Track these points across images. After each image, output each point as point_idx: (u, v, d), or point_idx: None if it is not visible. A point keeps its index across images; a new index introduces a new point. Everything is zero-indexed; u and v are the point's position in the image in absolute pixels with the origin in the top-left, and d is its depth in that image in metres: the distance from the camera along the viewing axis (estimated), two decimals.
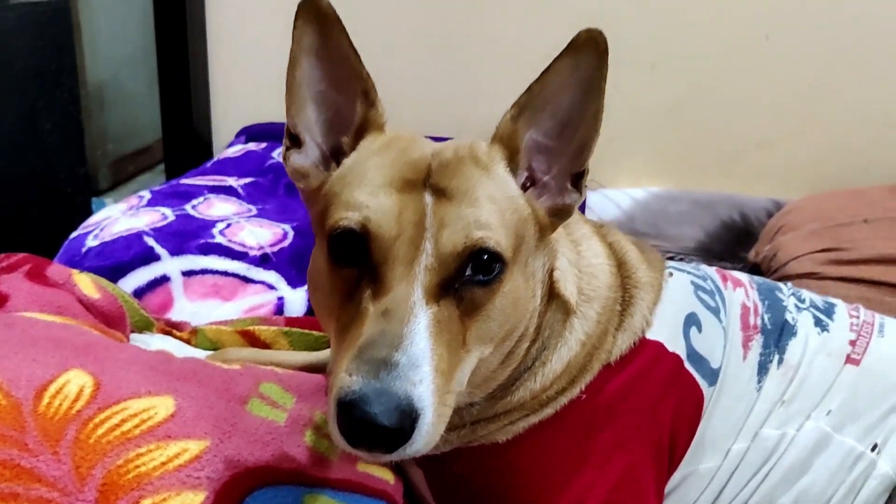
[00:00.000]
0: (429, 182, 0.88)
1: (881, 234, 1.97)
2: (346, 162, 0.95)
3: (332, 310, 0.89)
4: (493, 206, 0.89)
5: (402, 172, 0.89)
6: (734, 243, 2.30)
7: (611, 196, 2.42)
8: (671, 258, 2.24)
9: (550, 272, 1.02)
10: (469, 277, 0.86)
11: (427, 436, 0.79)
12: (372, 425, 0.75)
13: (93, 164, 3.33)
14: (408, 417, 0.76)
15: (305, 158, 0.98)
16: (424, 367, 0.79)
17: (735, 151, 2.51)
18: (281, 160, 1.01)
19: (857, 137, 2.41)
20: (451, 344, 0.84)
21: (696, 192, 2.45)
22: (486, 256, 0.86)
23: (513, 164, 0.95)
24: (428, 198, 0.87)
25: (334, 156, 0.98)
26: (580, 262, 1.07)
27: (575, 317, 1.04)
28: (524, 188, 0.97)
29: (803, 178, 2.43)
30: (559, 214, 0.98)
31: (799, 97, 2.41)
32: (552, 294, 1.02)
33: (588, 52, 0.88)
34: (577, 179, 0.98)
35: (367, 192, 0.88)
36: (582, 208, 2.32)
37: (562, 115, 0.93)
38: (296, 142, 0.98)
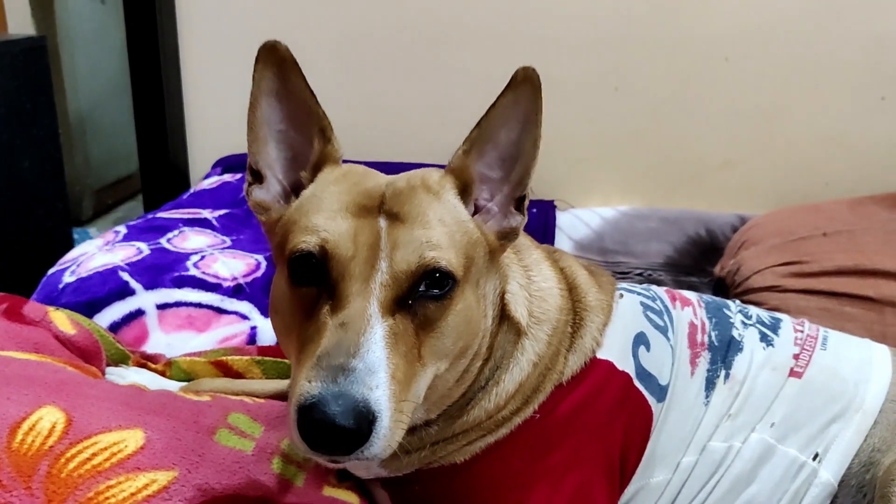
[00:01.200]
0: (383, 208, 0.94)
1: (840, 247, 2.03)
2: (305, 193, 1.01)
3: (292, 329, 0.94)
4: (443, 228, 0.95)
5: (358, 199, 0.95)
6: (701, 258, 2.35)
7: (580, 216, 2.47)
8: (640, 274, 2.32)
9: (502, 295, 1.07)
10: (422, 293, 0.92)
11: (384, 439, 0.84)
12: (331, 426, 0.80)
13: (75, 194, 3.37)
14: (365, 419, 0.81)
15: (267, 193, 1.04)
16: (380, 374, 0.84)
17: (699, 170, 2.57)
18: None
19: (815, 155, 2.48)
20: (407, 356, 0.89)
21: (664, 209, 2.50)
22: (437, 274, 0.92)
23: (464, 194, 1.01)
24: (382, 222, 0.93)
25: (294, 190, 1.03)
26: (531, 286, 1.12)
27: (526, 338, 1.09)
28: (472, 214, 1.02)
29: (765, 194, 2.49)
30: (507, 237, 1.04)
31: (758, 117, 2.48)
32: (504, 316, 1.08)
33: (525, 88, 0.94)
34: (520, 202, 1.04)
35: (325, 216, 0.93)
36: (552, 229, 2.40)
37: (502, 148, 1.00)
38: (258, 177, 1.04)
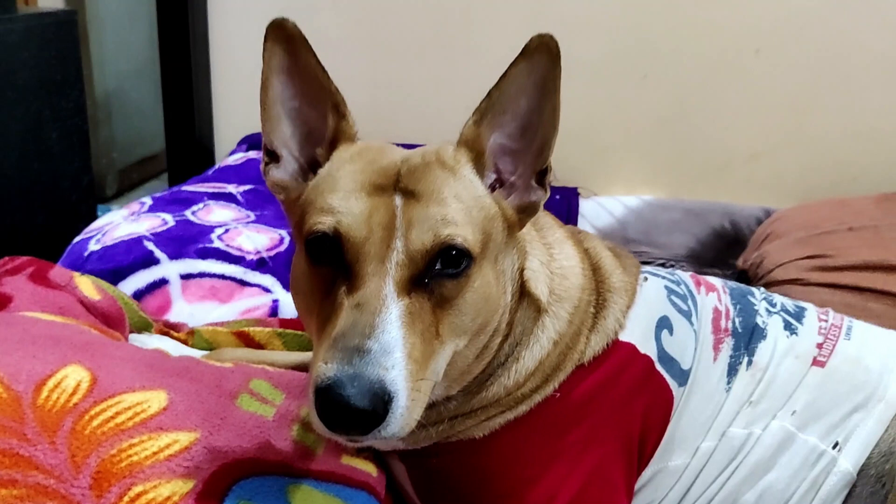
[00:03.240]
0: (398, 186, 0.94)
1: (865, 242, 2.01)
2: (321, 172, 1.01)
3: (312, 308, 0.94)
4: (459, 204, 0.94)
5: (373, 178, 0.94)
6: (725, 251, 2.34)
7: (604, 204, 2.47)
8: (662, 265, 2.31)
9: (521, 271, 1.07)
10: (439, 271, 0.91)
11: (401, 419, 0.84)
12: (347, 408, 0.80)
13: (100, 172, 3.39)
14: (380, 400, 0.81)
15: (284, 172, 1.04)
16: (396, 354, 0.84)
17: (726, 161, 2.56)
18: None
19: (844, 149, 2.46)
20: (424, 334, 0.89)
21: (688, 200, 2.50)
22: (454, 252, 0.91)
23: (479, 165, 1.00)
24: (398, 200, 0.92)
25: (311, 167, 1.03)
26: (552, 263, 1.12)
27: (546, 316, 1.08)
28: (492, 188, 1.02)
29: (792, 188, 2.48)
30: (526, 211, 1.04)
31: (787, 110, 2.46)
32: (523, 292, 1.07)
33: (541, 55, 0.93)
34: (542, 177, 1.03)
35: (339, 197, 0.93)
36: (575, 216, 2.39)
37: (522, 117, 0.99)
38: (273, 157, 1.04)
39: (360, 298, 0.88)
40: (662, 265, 2.30)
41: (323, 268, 0.93)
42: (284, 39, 0.97)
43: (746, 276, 2.14)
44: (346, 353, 0.83)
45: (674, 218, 2.42)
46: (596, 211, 2.44)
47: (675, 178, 2.59)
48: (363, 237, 0.90)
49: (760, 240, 2.19)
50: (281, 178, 1.04)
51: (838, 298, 1.90)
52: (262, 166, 1.06)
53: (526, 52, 0.93)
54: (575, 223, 2.37)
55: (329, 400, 0.81)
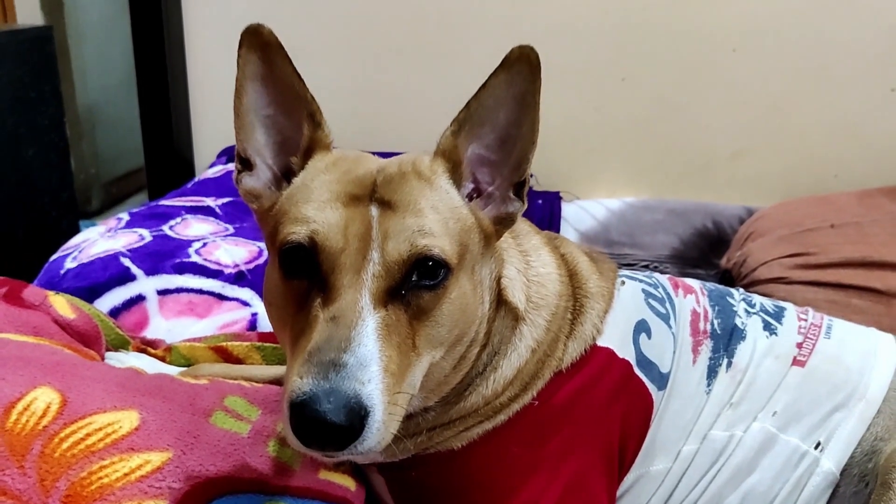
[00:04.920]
0: (374, 196, 0.92)
1: (848, 239, 2.01)
2: (296, 181, 0.99)
3: (286, 321, 0.93)
4: (436, 215, 0.93)
5: (348, 188, 0.93)
6: (708, 250, 2.34)
7: (586, 207, 2.46)
8: (646, 266, 2.30)
9: (498, 280, 1.06)
10: (416, 283, 0.90)
11: (378, 433, 0.83)
12: (322, 423, 0.79)
13: (84, 186, 3.37)
14: (356, 415, 0.80)
15: (257, 180, 1.02)
16: (373, 368, 0.83)
17: (707, 161, 2.56)
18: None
19: (825, 146, 2.47)
20: (400, 347, 0.88)
21: (670, 201, 2.49)
22: (430, 263, 0.90)
23: (456, 176, 0.99)
24: (374, 210, 0.91)
25: (285, 176, 1.02)
26: (529, 271, 1.11)
27: (524, 324, 1.07)
28: (470, 198, 1.00)
29: (774, 186, 2.48)
30: (503, 223, 1.02)
31: (767, 108, 2.46)
32: (500, 301, 1.06)
33: (521, 67, 0.92)
34: (519, 188, 1.02)
35: (314, 207, 0.91)
36: (558, 220, 2.39)
37: (500, 130, 0.97)
38: (247, 165, 1.02)
39: (335, 311, 0.86)
40: (646, 266, 2.29)
41: (297, 280, 0.91)
42: (260, 46, 0.96)
43: (730, 276, 2.14)
44: (321, 367, 0.81)
45: (656, 219, 2.41)
46: (579, 214, 2.43)
47: (656, 179, 2.59)
48: (339, 248, 0.88)
49: (743, 239, 2.19)
50: (254, 186, 1.02)
51: (822, 296, 1.91)
52: (234, 174, 1.04)
53: (506, 63, 0.92)
54: (558, 227, 2.37)
55: (304, 416, 0.79)
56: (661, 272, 2.20)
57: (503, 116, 0.96)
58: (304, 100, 0.98)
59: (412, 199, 0.93)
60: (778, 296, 1.91)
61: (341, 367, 0.81)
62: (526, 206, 1.03)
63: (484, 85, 0.94)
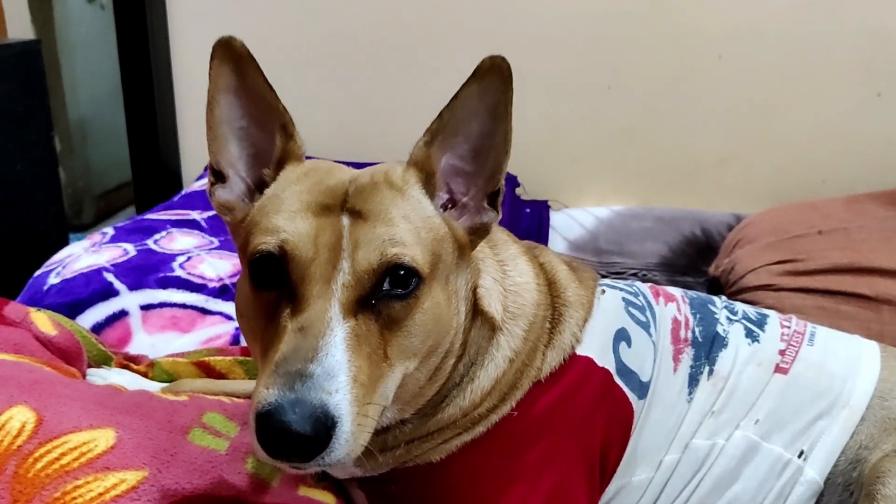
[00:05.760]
0: (346, 206, 0.92)
1: (835, 245, 2.01)
2: (267, 192, 0.99)
3: (257, 333, 0.92)
4: (408, 224, 0.93)
5: (319, 198, 0.93)
6: (697, 258, 2.33)
7: (574, 216, 2.45)
8: (635, 274, 2.30)
9: (474, 290, 1.05)
10: (387, 292, 0.90)
11: (346, 444, 0.82)
12: (287, 434, 0.78)
13: (75, 199, 3.37)
14: (322, 426, 0.79)
15: (230, 193, 1.02)
16: (341, 378, 0.82)
17: (694, 168, 2.55)
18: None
19: (811, 152, 2.46)
20: (371, 357, 0.87)
21: (659, 208, 2.48)
22: (402, 272, 0.89)
23: (429, 186, 0.99)
24: (345, 220, 0.91)
25: (258, 187, 1.01)
26: (505, 280, 1.10)
27: (501, 334, 1.07)
28: (444, 209, 1.00)
29: (761, 192, 2.47)
30: (478, 233, 1.02)
31: (753, 114, 2.46)
32: (477, 311, 1.06)
33: (492, 78, 0.91)
34: (493, 198, 1.01)
35: (285, 217, 0.91)
36: (546, 229, 2.39)
37: (474, 140, 0.97)
38: (220, 177, 1.02)
39: (303, 321, 0.86)
40: (635, 274, 2.29)
41: (267, 291, 0.91)
42: (232, 59, 0.96)
43: (718, 283, 2.13)
44: (287, 377, 0.81)
45: (645, 226, 2.41)
46: (567, 223, 2.43)
47: (644, 186, 2.58)
48: (309, 258, 0.88)
49: (731, 246, 2.19)
50: (227, 198, 1.02)
51: (810, 302, 1.90)
52: (207, 187, 1.04)
53: (477, 73, 0.92)
54: (546, 236, 2.36)
55: (270, 426, 0.79)
56: (650, 280, 2.21)
57: (476, 127, 0.96)
58: (277, 111, 0.98)
59: (383, 208, 0.92)
60: (766, 303, 1.91)
61: (308, 377, 0.81)
62: (500, 215, 1.02)
63: (456, 95, 0.94)
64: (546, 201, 2.49)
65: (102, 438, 1.01)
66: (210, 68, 0.96)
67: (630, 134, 2.54)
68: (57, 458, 0.96)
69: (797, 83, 2.41)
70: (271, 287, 0.90)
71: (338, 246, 0.89)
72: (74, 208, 3.37)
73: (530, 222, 2.37)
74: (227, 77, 0.96)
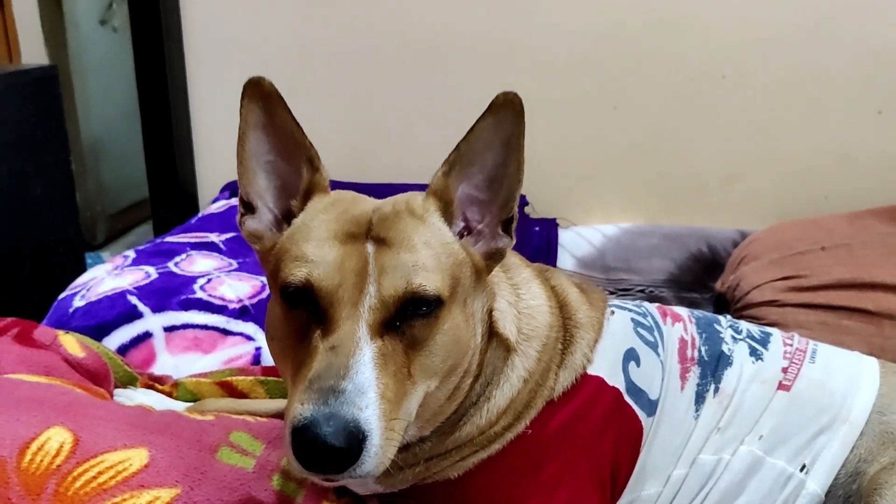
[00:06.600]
0: (370, 234, 0.97)
1: (838, 261, 2.04)
2: (296, 222, 1.04)
3: (288, 353, 0.97)
4: (429, 250, 0.98)
5: (345, 227, 0.98)
6: (703, 274, 2.37)
7: (582, 233, 2.50)
8: (642, 291, 2.34)
9: (490, 312, 1.10)
10: (410, 315, 0.95)
11: (375, 457, 0.87)
12: (322, 446, 0.83)
13: (90, 218, 3.42)
14: (355, 439, 0.85)
15: (259, 223, 1.07)
16: (370, 394, 0.87)
17: (700, 186, 2.60)
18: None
19: (814, 169, 2.51)
20: (396, 375, 0.92)
21: (665, 226, 2.53)
22: (424, 297, 0.95)
23: (447, 214, 1.04)
24: (370, 247, 0.96)
25: (285, 218, 1.07)
26: (519, 303, 1.15)
27: (516, 355, 1.12)
28: (461, 236, 1.06)
29: (766, 209, 2.52)
30: (493, 258, 1.07)
31: (757, 133, 2.51)
32: (492, 333, 1.10)
33: (506, 112, 0.97)
34: (507, 225, 1.07)
35: (314, 245, 0.97)
36: (555, 247, 2.43)
37: (488, 170, 1.03)
38: (249, 208, 1.07)
39: (334, 341, 0.91)
40: (642, 291, 2.33)
41: (297, 314, 0.96)
42: (261, 97, 1.01)
43: (724, 299, 2.17)
44: (321, 393, 0.86)
45: (652, 244, 2.45)
46: (575, 241, 2.47)
47: (651, 204, 2.63)
48: (336, 284, 0.93)
49: (736, 262, 2.22)
50: (256, 228, 1.08)
51: (814, 318, 1.94)
52: (238, 217, 1.09)
53: (492, 108, 0.97)
54: (555, 253, 2.41)
55: (305, 439, 0.84)
56: (658, 297, 2.26)
57: (490, 158, 1.01)
58: (303, 146, 1.04)
59: (406, 235, 0.98)
60: (771, 318, 1.95)
61: (340, 393, 0.86)
62: (514, 241, 1.07)
63: (472, 128, 0.99)
64: (555, 219, 2.54)
65: (136, 457, 1.06)
66: (241, 106, 1.02)
67: (636, 153, 2.60)
68: (94, 477, 1.01)
69: (800, 102, 2.47)
70: (301, 310, 0.95)
71: (364, 271, 0.94)
72: (88, 228, 3.43)
73: (539, 240, 2.42)
74: (256, 114, 1.02)
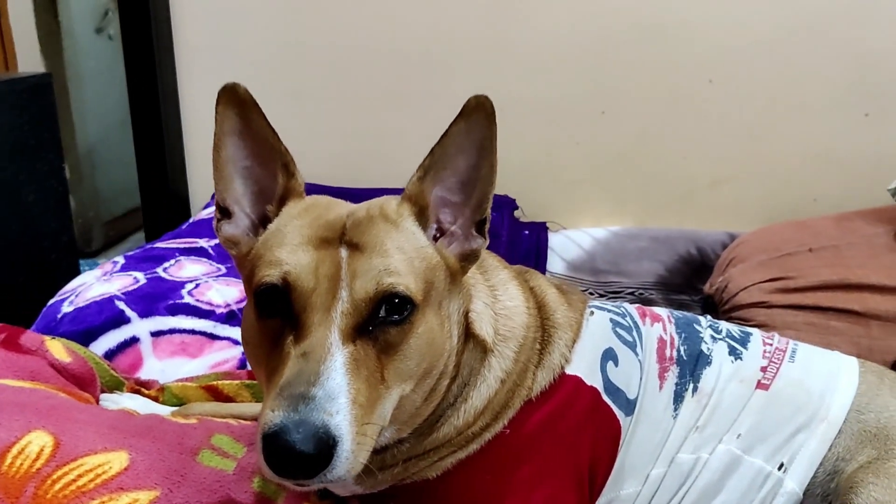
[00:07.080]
0: (344, 239, 0.98)
1: (825, 262, 2.05)
2: (271, 227, 1.05)
3: (262, 360, 0.98)
4: (402, 255, 0.99)
5: (319, 232, 0.99)
6: (692, 276, 2.38)
7: (572, 237, 2.51)
8: (631, 293, 2.35)
9: (466, 314, 1.11)
10: (383, 319, 0.95)
11: (347, 462, 0.88)
12: (293, 453, 0.84)
13: (85, 226, 3.44)
14: (325, 444, 0.85)
15: (236, 228, 1.08)
16: (341, 400, 0.88)
17: (688, 189, 2.61)
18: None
19: (802, 172, 2.53)
20: (369, 380, 0.93)
21: (654, 228, 2.54)
22: (396, 300, 0.96)
23: (422, 218, 1.05)
24: (343, 252, 0.97)
25: (261, 223, 1.08)
26: (496, 304, 1.16)
27: (492, 356, 1.12)
28: (435, 238, 1.06)
29: (755, 212, 2.53)
30: (468, 259, 1.08)
31: (745, 136, 2.52)
32: (469, 334, 1.11)
33: (478, 116, 0.98)
34: (481, 226, 1.08)
35: (287, 250, 0.97)
36: (544, 250, 2.44)
37: (461, 173, 1.04)
38: (226, 213, 1.08)
39: (305, 347, 0.91)
40: (632, 294, 2.34)
41: (271, 320, 0.97)
42: (236, 103, 1.02)
43: (713, 301, 2.18)
44: (291, 400, 0.86)
45: (641, 246, 2.46)
46: (565, 244, 2.48)
47: (640, 207, 2.65)
48: (310, 288, 0.94)
49: (725, 264, 2.23)
50: (233, 233, 1.09)
51: (801, 319, 1.94)
52: (214, 223, 1.10)
53: (464, 112, 0.98)
54: (545, 257, 2.42)
55: (275, 446, 0.85)
56: (647, 299, 2.27)
57: (463, 161, 1.03)
58: (279, 151, 1.05)
59: (379, 240, 0.98)
60: (759, 320, 1.96)
61: (310, 399, 0.86)
62: (488, 241, 1.08)
63: (445, 133, 1.00)
64: (544, 223, 2.55)
65: (116, 460, 1.07)
66: (216, 112, 1.03)
67: (625, 157, 2.61)
68: (74, 480, 1.02)
69: (787, 105, 2.48)
70: (275, 316, 0.96)
71: (337, 276, 0.95)
72: (84, 235, 3.44)
73: (529, 244, 2.43)
74: (231, 121, 1.03)
